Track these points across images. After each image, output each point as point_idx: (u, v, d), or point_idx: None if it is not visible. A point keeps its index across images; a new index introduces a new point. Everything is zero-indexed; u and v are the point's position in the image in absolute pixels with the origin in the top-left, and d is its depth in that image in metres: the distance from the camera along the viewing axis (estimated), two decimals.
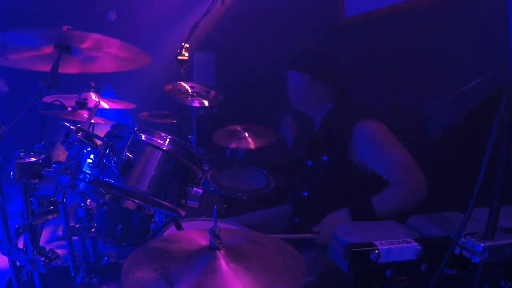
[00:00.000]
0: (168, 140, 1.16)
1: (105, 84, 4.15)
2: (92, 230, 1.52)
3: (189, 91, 2.67)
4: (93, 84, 2.12)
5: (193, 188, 1.19)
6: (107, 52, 1.43)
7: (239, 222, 1.98)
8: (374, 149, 1.80)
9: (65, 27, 1.27)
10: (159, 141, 1.15)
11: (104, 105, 2.09)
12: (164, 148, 1.15)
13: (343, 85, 2.01)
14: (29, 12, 3.95)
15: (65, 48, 1.31)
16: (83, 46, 1.34)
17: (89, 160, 1.14)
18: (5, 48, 1.29)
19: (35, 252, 1.15)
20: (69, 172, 1.14)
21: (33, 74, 1.42)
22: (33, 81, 1.29)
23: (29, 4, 4.10)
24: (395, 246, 1.07)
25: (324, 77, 1.95)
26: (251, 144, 2.62)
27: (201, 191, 1.19)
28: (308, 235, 1.80)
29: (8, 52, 1.32)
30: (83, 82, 2.13)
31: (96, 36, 1.26)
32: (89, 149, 1.13)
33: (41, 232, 1.26)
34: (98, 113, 2.42)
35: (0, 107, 3.57)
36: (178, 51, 2.63)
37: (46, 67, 1.30)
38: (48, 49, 1.34)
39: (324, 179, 1.94)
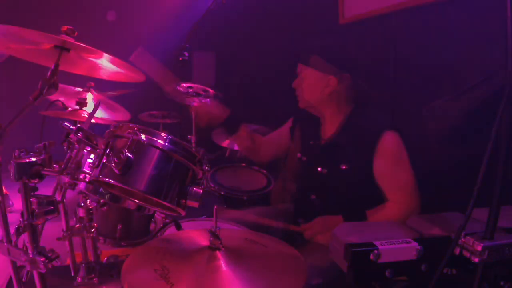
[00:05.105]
0: (168, 140, 1.16)
1: (105, 84, 4.14)
2: (92, 230, 1.52)
3: (189, 90, 2.67)
4: (92, 84, 2.12)
5: (193, 188, 1.19)
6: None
7: (240, 216, 1.96)
8: (388, 162, 1.73)
9: (65, 27, 1.27)
10: (159, 141, 1.15)
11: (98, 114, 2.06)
12: (164, 148, 1.15)
13: (369, 88, 1.90)
14: (29, 10, 3.95)
15: (64, 49, 1.31)
16: (80, 51, 1.34)
17: (89, 160, 1.14)
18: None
19: (35, 252, 1.15)
20: (69, 172, 1.14)
21: None
22: None
23: (30, 2, 4.10)
24: (395, 246, 1.07)
25: (347, 78, 1.83)
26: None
27: (201, 191, 1.19)
28: (294, 227, 1.77)
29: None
30: (83, 82, 2.13)
31: (90, 48, 1.27)
32: (89, 149, 1.13)
33: (41, 232, 1.26)
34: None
35: None
36: (178, 51, 2.62)
37: (47, 62, 1.29)
38: (48, 46, 1.33)
39: (339, 188, 1.81)
